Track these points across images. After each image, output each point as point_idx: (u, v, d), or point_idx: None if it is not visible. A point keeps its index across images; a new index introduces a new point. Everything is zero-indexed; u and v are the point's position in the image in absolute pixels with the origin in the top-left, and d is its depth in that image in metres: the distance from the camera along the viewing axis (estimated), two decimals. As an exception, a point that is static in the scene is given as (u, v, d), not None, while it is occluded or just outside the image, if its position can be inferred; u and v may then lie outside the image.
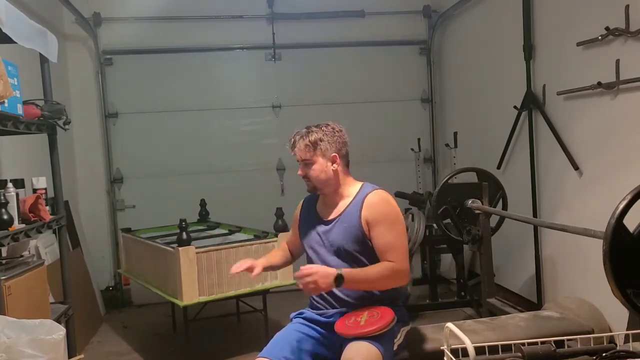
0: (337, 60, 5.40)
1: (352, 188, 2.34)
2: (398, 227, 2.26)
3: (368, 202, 2.27)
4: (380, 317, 2.12)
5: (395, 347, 2.21)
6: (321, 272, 2.12)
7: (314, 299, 2.33)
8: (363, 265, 2.24)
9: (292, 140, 2.34)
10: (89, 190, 5.07)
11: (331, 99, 5.28)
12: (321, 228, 2.34)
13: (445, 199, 3.70)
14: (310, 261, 2.34)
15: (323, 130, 2.31)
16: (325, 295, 2.27)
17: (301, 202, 2.54)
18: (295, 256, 2.59)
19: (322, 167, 2.29)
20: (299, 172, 2.35)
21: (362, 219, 2.24)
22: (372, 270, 2.20)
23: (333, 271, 2.12)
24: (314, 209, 2.42)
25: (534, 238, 3.87)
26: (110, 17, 5.07)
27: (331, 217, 2.33)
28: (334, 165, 2.30)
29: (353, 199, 2.31)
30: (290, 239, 2.63)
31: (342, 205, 2.32)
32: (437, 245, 4.54)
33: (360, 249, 2.23)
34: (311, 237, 2.37)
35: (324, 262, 2.26)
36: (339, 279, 2.11)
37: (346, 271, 2.14)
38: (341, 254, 2.26)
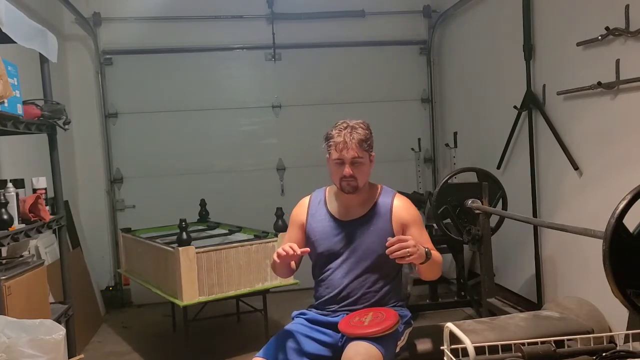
0: (337, 60, 5.40)
1: (370, 188, 2.31)
2: (424, 226, 2.36)
3: (399, 206, 2.26)
4: (385, 319, 2.11)
5: (397, 349, 2.20)
6: (413, 242, 2.02)
7: (319, 299, 2.30)
8: (387, 269, 2.22)
9: (339, 139, 2.14)
10: (89, 190, 5.07)
11: (331, 99, 5.28)
12: (339, 229, 2.25)
13: (445, 199, 3.70)
14: (326, 264, 2.25)
15: (365, 126, 2.20)
16: (332, 295, 2.24)
17: (306, 201, 2.38)
18: (298, 265, 2.35)
19: (369, 166, 2.22)
20: (346, 171, 2.14)
21: (394, 222, 2.23)
22: (436, 253, 2.19)
23: (421, 246, 2.06)
24: (325, 208, 2.31)
25: (534, 238, 3.87)
26: (110, 17, 5.07)
27: (351, 217, 2.26)
28: (372, 164, 2.25)
29: (376, 201, 2.27)
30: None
31: (363, 206, 2.27)
32: (437, 245, 4.52)
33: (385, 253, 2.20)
34: (328, 239, 2.26)
35: (348, 265, 2.22)
36: (428, 254, 2.08)
37: (429, 247, 2.13)
38: (367, 255, 2.21)
